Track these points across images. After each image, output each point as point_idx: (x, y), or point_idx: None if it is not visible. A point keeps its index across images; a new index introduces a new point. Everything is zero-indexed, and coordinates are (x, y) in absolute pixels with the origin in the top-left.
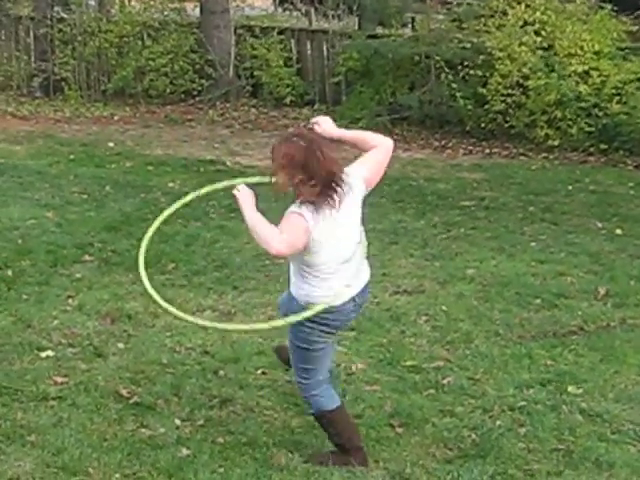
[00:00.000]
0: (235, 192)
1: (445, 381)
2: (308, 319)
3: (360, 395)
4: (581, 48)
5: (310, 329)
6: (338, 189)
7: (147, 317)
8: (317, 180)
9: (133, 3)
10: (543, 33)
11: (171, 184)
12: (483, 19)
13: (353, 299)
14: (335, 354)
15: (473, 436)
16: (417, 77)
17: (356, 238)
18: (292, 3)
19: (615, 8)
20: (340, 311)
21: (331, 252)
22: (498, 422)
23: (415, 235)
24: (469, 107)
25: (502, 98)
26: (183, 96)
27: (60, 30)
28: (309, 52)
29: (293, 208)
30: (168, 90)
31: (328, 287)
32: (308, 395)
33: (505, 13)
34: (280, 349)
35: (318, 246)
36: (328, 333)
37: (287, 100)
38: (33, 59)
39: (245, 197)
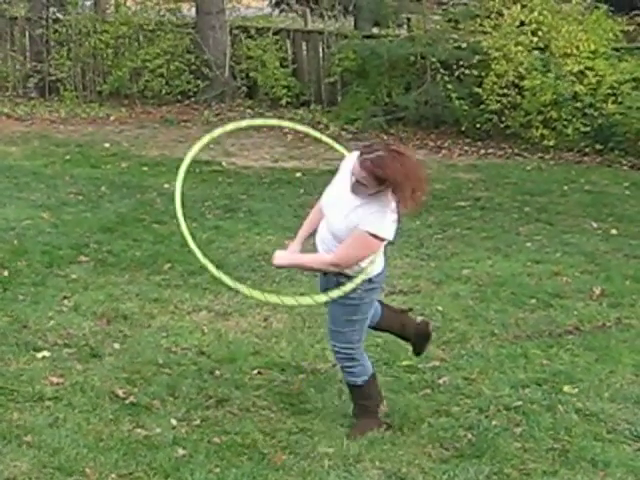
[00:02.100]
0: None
1: (441, 381)
2: (361, 283)
3: None
4: (577, 48)
5: (364, 292)
6: None
7: (143, 317)
8: None
9: (129, 4)
10: (539, 33)
11: (167, 185)
12: (479, 19)
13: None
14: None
15: (469, 436)
16: (413, 77)
17: None
18: (287, 4)
19: (611, 8)
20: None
21: None
22: (494, 422)
23: (410, 235)
24: (465, 107)
25: (498, 98)
26: (179, 97)
27: (56, 31)
28: (305, 53)
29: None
30: (164, 91)
31: None
32: (359, 362)
33: (501, 13)
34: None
35: None
36: (376, 291)
37: (283, 101)
38: (28, 60)
39: (285, 257)
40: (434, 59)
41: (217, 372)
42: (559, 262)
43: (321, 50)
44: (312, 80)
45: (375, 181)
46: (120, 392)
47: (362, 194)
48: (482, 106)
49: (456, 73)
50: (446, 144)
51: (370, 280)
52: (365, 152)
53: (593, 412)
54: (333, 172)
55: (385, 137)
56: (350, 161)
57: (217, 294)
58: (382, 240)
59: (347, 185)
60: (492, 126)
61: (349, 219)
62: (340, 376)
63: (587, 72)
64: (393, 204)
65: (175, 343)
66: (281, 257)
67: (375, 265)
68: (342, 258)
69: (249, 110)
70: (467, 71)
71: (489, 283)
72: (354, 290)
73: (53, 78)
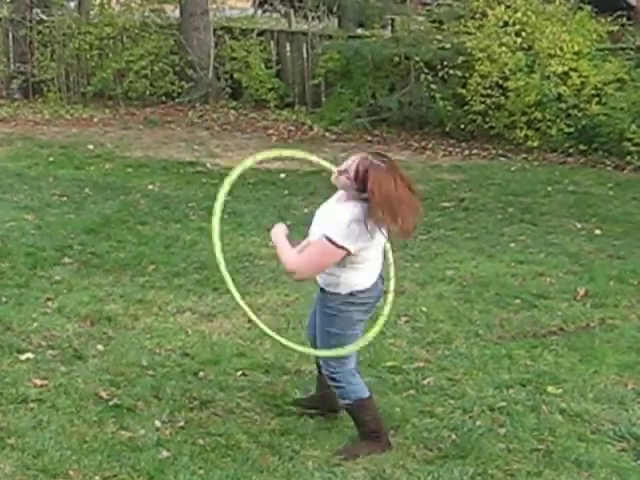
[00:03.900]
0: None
1: (425, 382)
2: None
3: None
4: (561, 49)
5: (342, 304)
6: None
7: (127, 319)
8: None
9: (113, 5)
10: (523, 34)
11: (151, 186)
12: (463, 20)
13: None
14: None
15: (453, 436)
16: (397, 78)
17: None
18: (271, 4)
19: (594, 9)
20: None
21: None
22: (478, 422)
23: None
24: (449, 108)
25: (482, 99)
26: (163, 98)
27: (39, 32)
28: (289, 54)
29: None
30: (148, 92)
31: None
32: (345, 384)
33: (485, 14)
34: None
35: None
36: (365, 312)
37: (267, 102)
38: (12, 61)
39: (276, 234)
40: (418, 59)
41: (201, 374)
42: (543, 263)
43: (305, 51)
44: (296, 81)
45: (358, 184)
46: (104, 394)
47: (341, 187)
48: (466, 107)
49: (440, 74)
50: (430, 145)
51: (351, 294)
52: (373, 156)
53: (577, 412)
54: (317, 173)
55: (369, 138)
56: None
57: (201, 295)
58: (338, 247)
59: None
60: (476, 127)
61: (322, 226)
62: None
63: (571, 73)
64: (361, 216)
65: (159, 345)
66: (275, 232)
67: (356, 279)
68: (300, 264)
69: (233, 111)
70: (451, 71)
71: (473, 284)
72: (332, 299)
73: (37, 79)
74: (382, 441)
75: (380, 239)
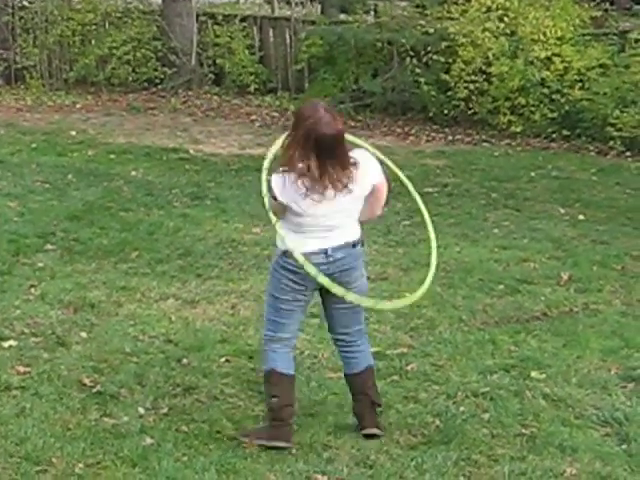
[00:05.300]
0: None
1: (409, 367)
2: (282, 266)
3: (324, 382)
4: (544, 34)
5: (276, 263)
6: None
7: (110, 306)
8: None
9: None
10: (506, 19)
11: (134, 172)
12: (446, 5)
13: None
14: (300, 340)
15: (437, 422)
16: (380, 64)
17: None
18: None
19: None
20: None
21: None
22: (462, 408)
23: (378, 222)
24: (432, 93)
25: (465, 85)
26: (146, 84)
27: (21, 18)
28: (272, 39)
29: None
30: (130, 78)
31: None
32: (268, 349)
33: None
34: None
35: None
36: (296, 283)
37: (250, 88)
38: None
39: None
40: (402, 44)
41: (185, 360)
42: (526, 248)
43: (288, 37)
44: (279, 67)
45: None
46: (87, 381)
47: None
48: (450, 93)
49: (424, 59)
50: (413, 131)
51: (284, 253)
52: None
53: (561, 397)
54: None
55: (352, 124)
56: None
57: (184, 282)
58: (272, 196)
59: None
60: (460, 112)
61: None
62: (308, 363)
63: (554, 58)
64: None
65: (142, 331)
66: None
67: (282, 239)
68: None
69: (216, 97)
70: (435, 57)
71: (457, 269)
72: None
73: (19, 66)
74: (282, 432)
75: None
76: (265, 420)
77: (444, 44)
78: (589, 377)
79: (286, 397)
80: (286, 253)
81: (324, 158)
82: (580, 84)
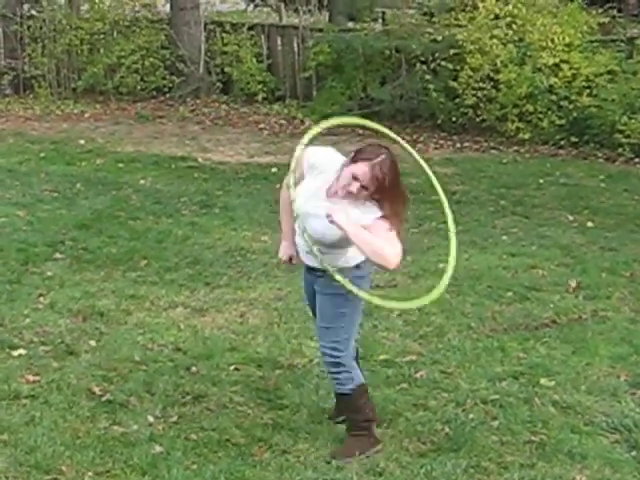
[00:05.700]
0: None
1: (418, 375)
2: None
3: (333, 390)
4: (552, 41)
5: (354, 279)
6: None
7: (119, 314)
8: None
9: None
10: (514, 26)
11: (142, 181)
12: (454, 12)
13: None
14: (309, 348)
15: (446, 429)
16: (388, 71)
17: None
18: None
19: (585, 1)
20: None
21: None
22: (471, 415)
23: None
24: (440, 100)
25: (473, 92)
26: (154, 93)
27: (30, 27)
28: (280, 48)
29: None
30: (139, 87)
31: None
32: (350, 368)
33: (476, 7)
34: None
35: None
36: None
37: (258, 96)
38: (2, 57)
39: (344, 218)
40: (410, 51)
41: (194, 368)
42: (535, 255)
43: (296, 45)
44: (287, 75)
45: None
46: (96, 389)
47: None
48: (458, 100)
49: (432, 67)
50: (421, 138)
51: (357, 266)
52: (373, 154)
53: (570, 404)
54: None
55: (361, 131)
56: (331, 160)
57: (193, 290)
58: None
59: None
60: (468, 120)
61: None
62: (317, 371)
63: (562, 65)
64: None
65: (151, 340)
66: (340, 216)
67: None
68: (398, 255)
69: (224, 106)
70: (443, 64)
71: (465, 277)
72: (344, 278)
73: (27, 75)
74: (372, 435)
75: None
76: (354, 433)
77: (452, 51)
78: (598, 384)
79: (371, 401)
80: (359, 266)
81: None
82: (588, 91)
